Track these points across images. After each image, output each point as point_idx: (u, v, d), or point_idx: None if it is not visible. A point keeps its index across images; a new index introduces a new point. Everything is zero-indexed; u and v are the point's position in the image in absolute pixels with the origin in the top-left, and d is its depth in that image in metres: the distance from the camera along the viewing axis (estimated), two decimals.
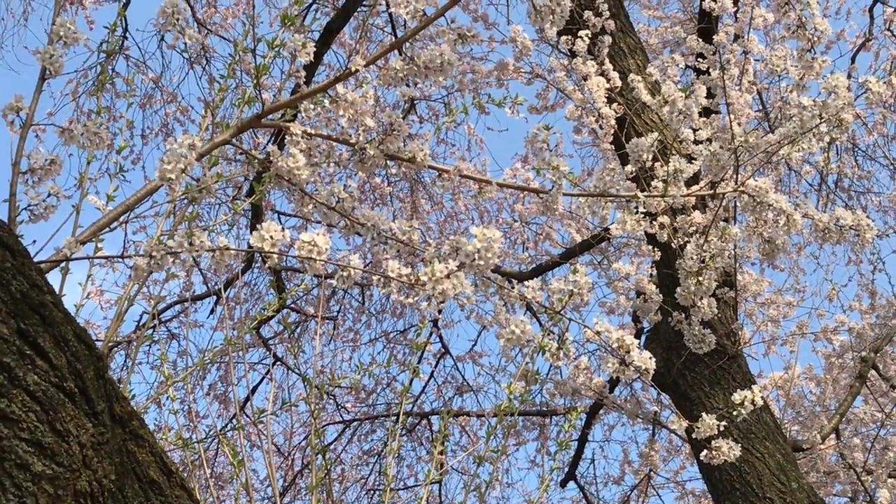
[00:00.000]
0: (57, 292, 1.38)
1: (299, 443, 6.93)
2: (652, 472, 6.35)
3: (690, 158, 3.19)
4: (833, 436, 4.86)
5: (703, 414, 2.47)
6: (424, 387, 7.40)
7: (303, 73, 2.22)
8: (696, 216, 3.54)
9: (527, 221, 6.86)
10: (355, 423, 7.29)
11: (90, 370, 1.35)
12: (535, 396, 6.56)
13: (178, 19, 2.03)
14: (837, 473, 5.19)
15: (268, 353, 6.87)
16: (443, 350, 7.49)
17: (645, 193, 2.63)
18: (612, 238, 5.39)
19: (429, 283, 1.82)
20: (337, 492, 7.12)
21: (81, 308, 2.20)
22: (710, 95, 3.50)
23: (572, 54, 3.81)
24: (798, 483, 3.67)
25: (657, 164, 3.11)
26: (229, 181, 5.83)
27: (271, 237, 1.82)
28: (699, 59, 3.87)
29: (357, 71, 2.10)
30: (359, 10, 4.83)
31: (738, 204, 2.81)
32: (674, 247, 3.43)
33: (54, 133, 1.99)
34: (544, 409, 6.55)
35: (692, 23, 5.44)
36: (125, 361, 6.15)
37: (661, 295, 3.86)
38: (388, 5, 4.99)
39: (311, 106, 2.17)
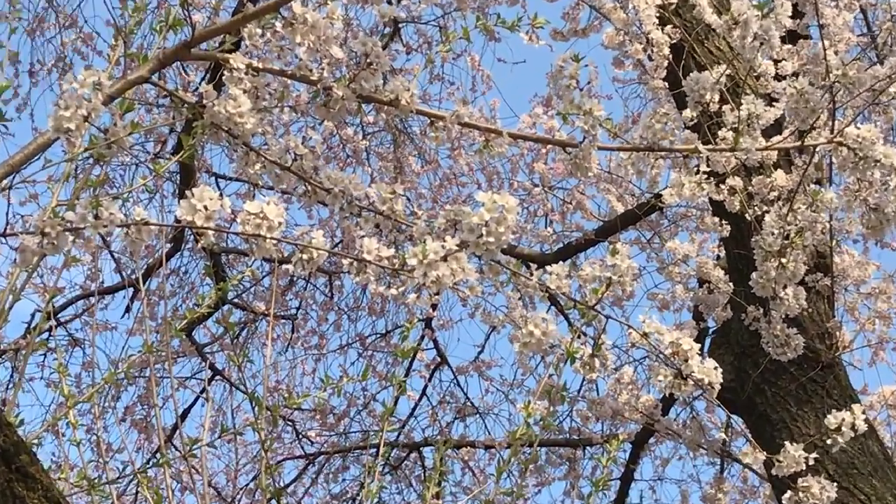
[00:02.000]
0: None
1: (247, 484, 6.96)
2: None
3: (770, 100, 3.18)
4: None
5: (787, 443, 2.47)
6: (414, 408, 7.42)
7: None
8: (779, 177, 3.54)
9: (550, 186, 6.85)
10: (321, 458, 7.32)
11: None
12: (562, 420, 6.58)
13: None
14: None
15: (203, 363, 6.87)
16: (439, 359, 7.51)
17: (709, 147, 2.63)
18: (664, 208, 5.40)
19: (419, 268, 1.82)
20: None
21: None
22: (796, 14, 3.49)
23: None
24: None
25: (726, 108, 3.10)
26: (149, 133, 5.82)
27: (205, 207, 1.82)
28: None
29: None
30: None
31: (833, 160, 2.81)
32: (748, 219, 3.43)
33: None
34: (574, 437, 6.57)
35: None
36: (11, 376, 6.16)
37: (730, 284, 3.86)
38: None
39: (258, 31, 2.17)
